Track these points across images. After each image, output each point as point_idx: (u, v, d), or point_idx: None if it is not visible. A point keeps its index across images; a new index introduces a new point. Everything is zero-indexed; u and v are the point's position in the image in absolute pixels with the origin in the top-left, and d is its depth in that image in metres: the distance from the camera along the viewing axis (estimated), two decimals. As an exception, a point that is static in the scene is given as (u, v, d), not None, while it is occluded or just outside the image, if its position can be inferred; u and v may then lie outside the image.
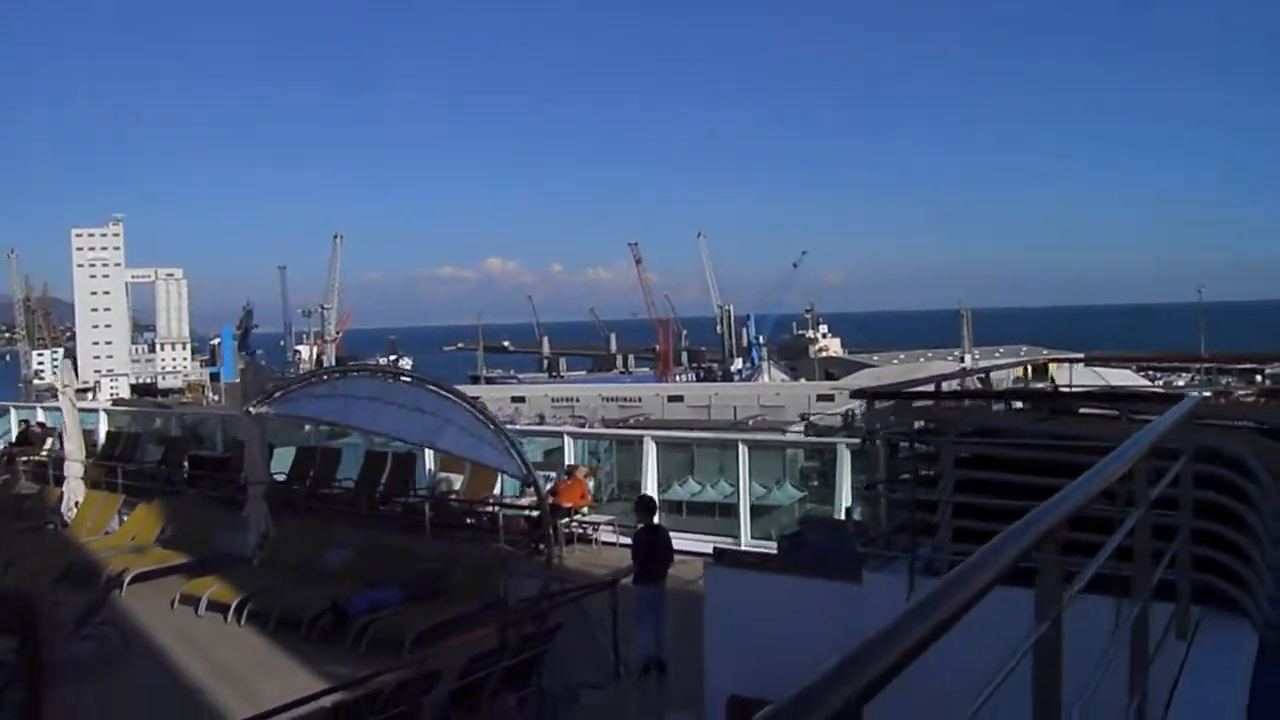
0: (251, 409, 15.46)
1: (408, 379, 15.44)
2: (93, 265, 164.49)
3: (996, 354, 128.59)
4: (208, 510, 18.77)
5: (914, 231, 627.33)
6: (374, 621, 12.88)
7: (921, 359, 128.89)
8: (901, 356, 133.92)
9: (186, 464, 21.54)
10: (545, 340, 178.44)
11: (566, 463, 17.31)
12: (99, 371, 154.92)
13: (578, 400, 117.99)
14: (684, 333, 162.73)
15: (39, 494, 21.40)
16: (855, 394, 7.54)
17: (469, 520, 16.78)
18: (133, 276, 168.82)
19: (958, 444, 6.96)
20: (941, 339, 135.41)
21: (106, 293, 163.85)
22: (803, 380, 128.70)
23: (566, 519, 15.89)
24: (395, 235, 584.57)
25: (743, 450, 16.16)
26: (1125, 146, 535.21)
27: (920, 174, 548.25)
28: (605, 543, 16.08)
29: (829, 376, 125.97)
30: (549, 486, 16.79)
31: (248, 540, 16.63)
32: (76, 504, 19.62)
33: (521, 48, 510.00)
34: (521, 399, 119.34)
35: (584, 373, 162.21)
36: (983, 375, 11.51)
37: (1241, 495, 6.05)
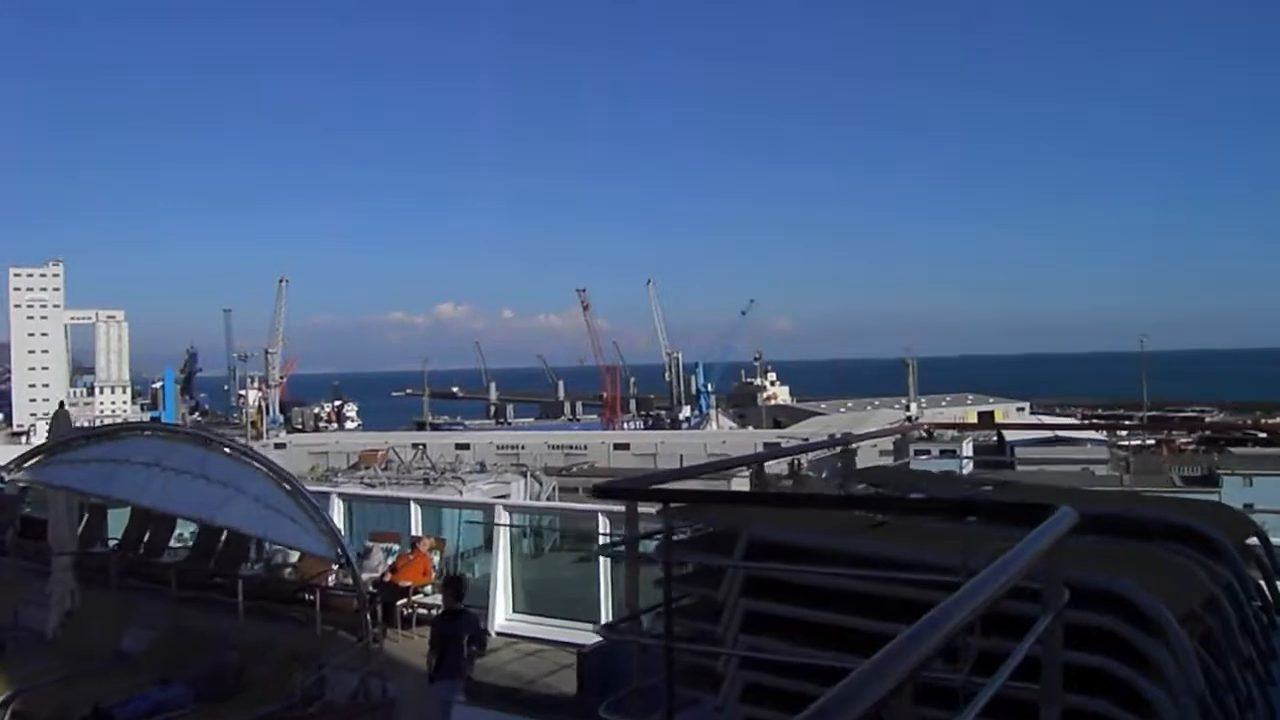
0: (5, 475, 13.77)
1: (195, 440, 13.62)
2: (30, 306, 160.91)
3: (943, 402, 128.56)
4: (18, 582, 16.91)
5: (862, 280, 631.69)
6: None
7: (869, 407, 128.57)
8: (849, 405, 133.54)
9: (15, 526, 19.70)
10: (493, 386, 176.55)
11: (412, 533, 15.64)
12: (34, 415, 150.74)
13: (523, 448, 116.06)
14: (632, 380, 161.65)
15: None
16: (598, 491, 5.53)
17: (302, 599, 14.96)
18: (72, 318, 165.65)
19: (740, 567, 5.19)
20: (889, 387, 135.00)
21: (44, 334, 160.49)
22: (750, 428, 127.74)
23: (404, 600, 14.21)
24: (346, 280, 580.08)
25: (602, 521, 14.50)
26: (1069, 193, 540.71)
27: (868, 220, 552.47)
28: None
29: (777, 425, 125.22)
30: (390, 561, 15.16)
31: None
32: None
33: (469, 89, 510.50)
34: (466, 446, 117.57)
35: (531, 420, 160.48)
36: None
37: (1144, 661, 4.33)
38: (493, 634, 13.73)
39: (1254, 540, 6.12)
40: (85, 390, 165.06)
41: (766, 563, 4.95)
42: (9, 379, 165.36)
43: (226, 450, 13.06)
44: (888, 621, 4.17)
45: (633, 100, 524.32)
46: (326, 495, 16.71)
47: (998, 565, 3.09)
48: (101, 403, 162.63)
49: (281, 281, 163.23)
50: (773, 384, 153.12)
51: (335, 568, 13.52)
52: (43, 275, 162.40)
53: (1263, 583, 5.91)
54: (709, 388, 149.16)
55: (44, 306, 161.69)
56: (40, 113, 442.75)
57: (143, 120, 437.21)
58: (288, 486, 12.33)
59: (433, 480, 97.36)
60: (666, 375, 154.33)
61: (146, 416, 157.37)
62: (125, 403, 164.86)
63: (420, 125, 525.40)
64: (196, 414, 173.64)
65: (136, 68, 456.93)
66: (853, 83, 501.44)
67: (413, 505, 15.92)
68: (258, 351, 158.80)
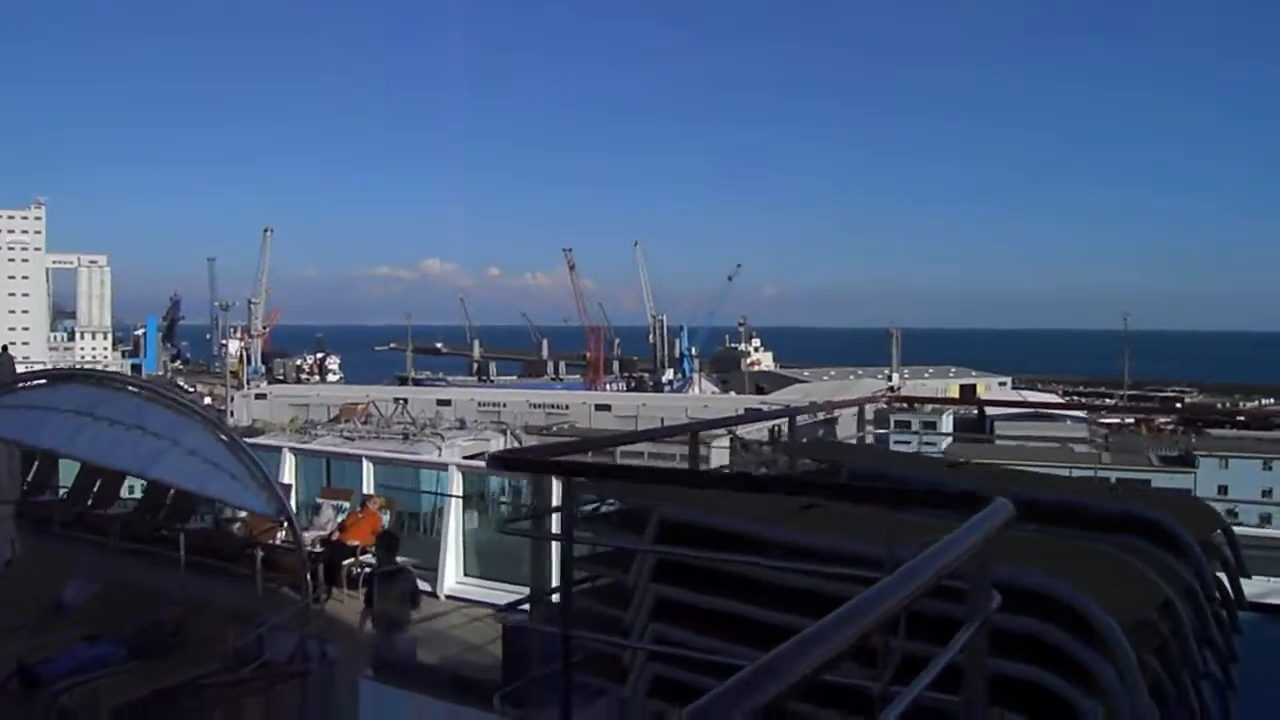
0: None
1: (134, 388, 13.09)
2: (11, 249, 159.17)
3: (925, 374, 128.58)
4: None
5: (850, 250, 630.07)
6: (73, 688, 10.66)
7: (851, 376, 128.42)
8: (832, 373, 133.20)
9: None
10: (476, 344, 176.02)
11: (364, 491, 15.14)
12: (13, 359, 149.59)
13: (504, 405, 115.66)
14: (617, 341, 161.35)
15: None
16: (494, 460, 4.95)
17: (249, 555, 14.47)
18: (54, 262, 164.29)
19: (644, 550, 4.69)
20: (873, 357, 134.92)
21: (25, 277, 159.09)
22: (733, 393, 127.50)
23: (351, 559, 13.76)
24: (332, 233, 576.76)
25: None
26: (1059, 171, 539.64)
27: (857, 191, 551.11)
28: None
29: (759, 390, 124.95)
30: (339, 519, 14.69)
31: (-8, 567, 14.33)
32: None
33: (463, 49, 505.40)
34: (447, 402, 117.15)
35: (514, 378, 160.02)
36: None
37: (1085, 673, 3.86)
38: (441, 597, 13.33)
39: (1219, 535, 5.74)
40: (66, 335, 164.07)
41: (677, 546, 4.50)
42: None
43: (165, 400, 12.57)
44: (807, 616, 3.77)
45: (622, 64, 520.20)
46: (278, 449, 16.24)
47: (920, 560, 2.69)
48: (82, 348, 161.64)
49: (266, 231, 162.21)
50: (757, 350, 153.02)
51: (284, 524, 13.07)
52: (24, 218, 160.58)
53: (1226, 580, 5.53)
54: (693, 351, 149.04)
55: (24, 249, 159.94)
56: (28, 62, 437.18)
57: (128, 72, 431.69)
58: (227, 439, 11.86)
59: (412, 435, 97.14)
60: (651, 338, 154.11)
61: (128, 363, 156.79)
62: (106, 349, 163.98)
63: (410, 84, 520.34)
64: (178, 362, 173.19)
65: (122, 21, 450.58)
66: (842, 56, 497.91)
67: (365, 462, 15.42)
68: (241, 301, 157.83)
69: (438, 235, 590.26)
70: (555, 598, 4.69)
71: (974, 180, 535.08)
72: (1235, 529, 6.20)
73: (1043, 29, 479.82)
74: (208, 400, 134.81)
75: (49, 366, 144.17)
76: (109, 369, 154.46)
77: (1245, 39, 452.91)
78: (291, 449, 16.40)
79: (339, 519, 14.67)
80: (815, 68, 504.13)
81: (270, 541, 13.98)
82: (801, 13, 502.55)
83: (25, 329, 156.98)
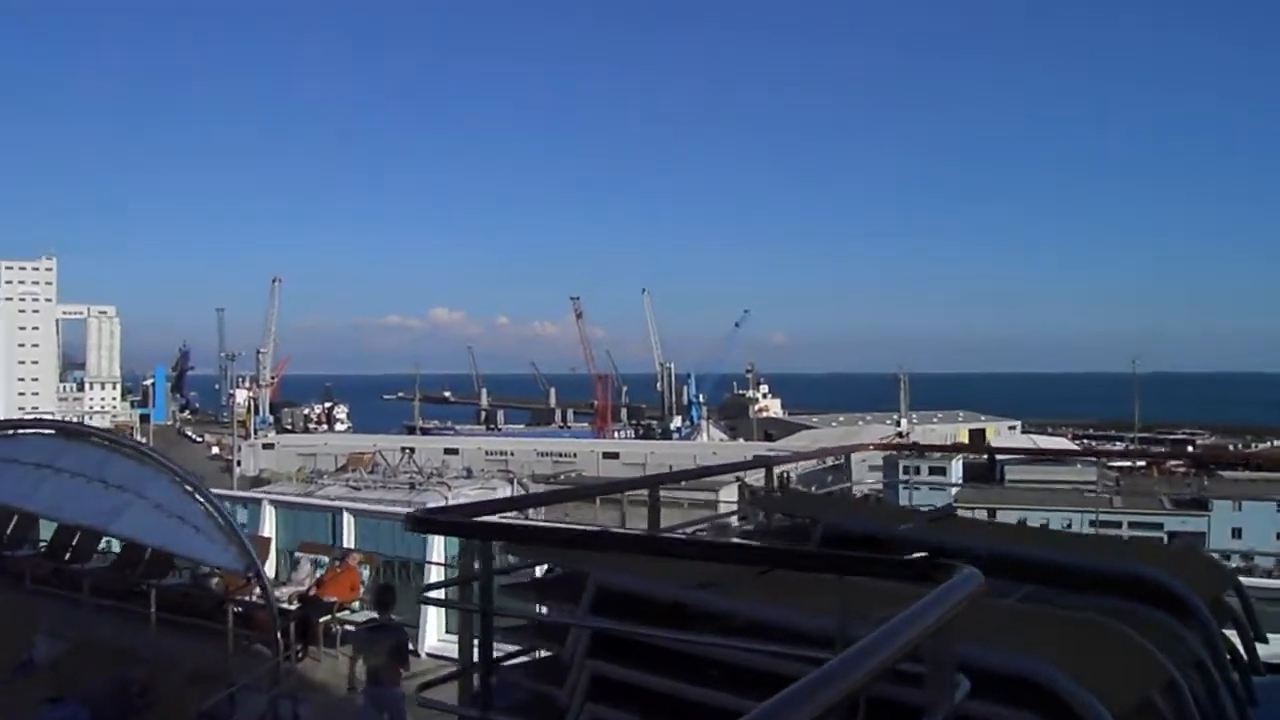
0: None
1: (99, 439, 12.64)
2: (22, 300, 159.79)
3: (935, 418, 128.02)
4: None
5: (858, 295, 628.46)
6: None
7: (860, 422, 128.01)
8: (841, 419, 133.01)
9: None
10: (484, 392, 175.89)
11: (345, 544, 14.60)
12: (22, 409, 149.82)
13: (512, 454, 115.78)
14: (624, 389, 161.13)
15: None
16: (408, 521, 4.03)
17: (225, 612, 13.95)
18: (64, 313, 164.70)
19: (582, 625, 4.24)
20: (882, 403, 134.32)
21: (36, 328, 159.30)
22: (741, 440, 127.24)
23: (328, 616, 13.21)
24: (341, 282, 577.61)
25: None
26: (1067, 213, 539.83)
27: (863, 236, 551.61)
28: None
29: (768, 437, 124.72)
30: (318, 574, 14.18)
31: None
32: None
33: (470, 99, 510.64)
34: (455, 451, 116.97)
35: (522, 426, 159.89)
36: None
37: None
38: (422, 655, 12.80)
39: (1231, 593, 5.23)
40: (75, 385, 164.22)
41: (615, 615, 4.01)
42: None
43: (129, 452, 12.13)
44: (755, 698, 3.31)
45: (630, 110, 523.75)
46: (258, 501, 15.78)
47: (872, 639, 2.24)
48: (91, 398, 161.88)
49: (274, 281, 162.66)
50: (765, 396, 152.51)
51: (252, 580, 12.57)
52: (35, 269, 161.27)
53: (1239, 643, 5.01)
54: (701, 398, 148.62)
55: (35, 300, 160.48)
56: (35, 110, 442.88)
57: (136, 119, 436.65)
58: (194, 493, 11.39)
59: (418, 485, 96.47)
60: (659, 385, 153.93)
61: (137, 413, 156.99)
62: (115, 399, 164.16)
63: (419, 129, 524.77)
64: (186, 411, 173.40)
65: (128, 68, 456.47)
66: (849, 99, 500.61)
67: (345, 515, 14.92)
68: (249, 351, 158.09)
69: (446, 284, 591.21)
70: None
71: (978, 222, 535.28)
72: (1249, 580, 5.69)
73: (1042, 70, 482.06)
74: (215, 450, 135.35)
75: (57, 417, 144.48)
76: (118, 419, 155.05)
77: (1260, 78, 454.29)
78: (271, 500, 15.94)
79: (317, 574, 14.17)
80: (819, 113, 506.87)
81: (245, 597, 13.48)
82: (807, 59, 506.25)
83: (35, 379, 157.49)
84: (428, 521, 4.20)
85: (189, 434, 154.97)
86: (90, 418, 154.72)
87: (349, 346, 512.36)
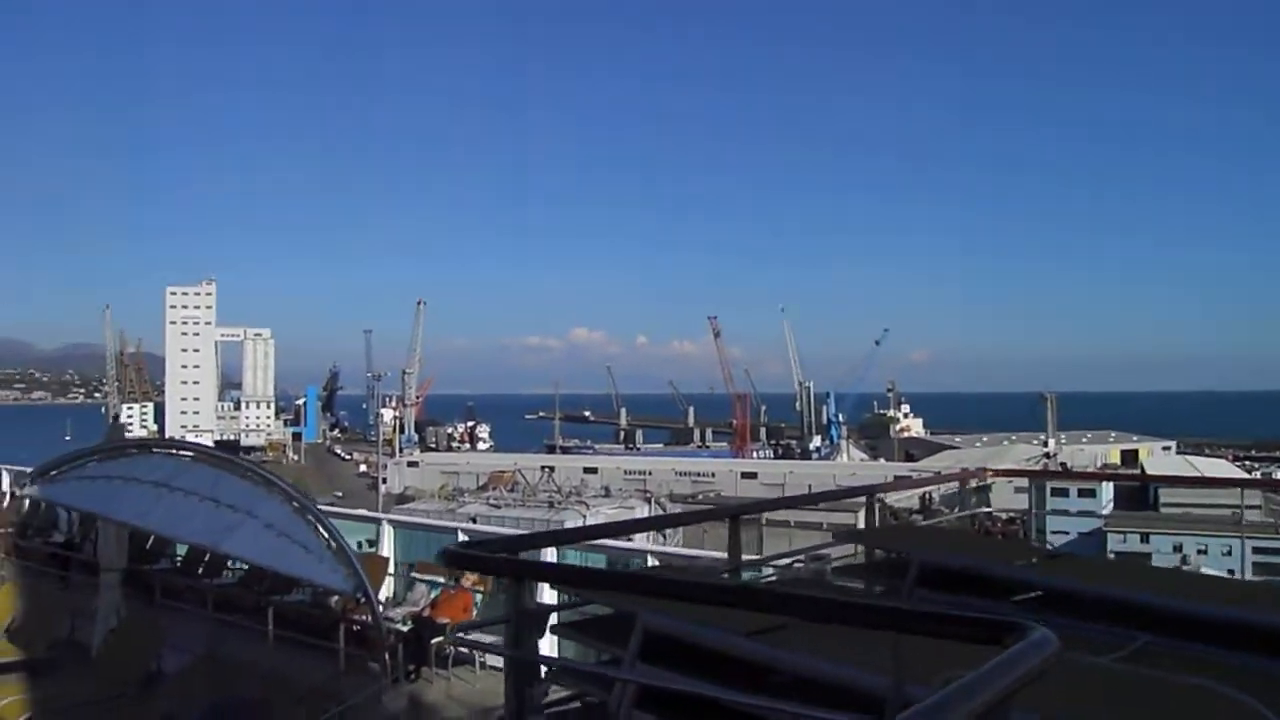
0: (18, 490, 13.28)
1: (212, 460, 12.85)
2: (185, 323, 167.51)
3: (1084, 439, 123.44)
4: (72, 598, 16.48)
5: (1003, 312, 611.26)
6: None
7: (1005, 442, 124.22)
8: (984, 439, 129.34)
9: (92, 538, 19.35)
10: (623, 411, 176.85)
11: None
12: (185, 427, 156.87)
13: (650, 473, 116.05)
14: (763, 408, 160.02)
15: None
16: (441, 557, 3.70)
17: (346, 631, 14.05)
18: (222, 335, 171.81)
19: (628, 679, 3.87)
20: (1028, 422, 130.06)
21: (196, 350, 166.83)
22: (882, 460, 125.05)
23: (439, 638, 13.17)
24: (484, 303, 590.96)
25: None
26: (1218, 228, 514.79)
27: (1009, 253, 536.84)
28: (495, 667, 13.23)
29: (909, 458, 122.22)
30: (432, 595, 14.18)
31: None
32: (-48, 580, 17.59)
33: (609, 125, 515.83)
34: (594, 470, 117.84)
35: (661, 445, 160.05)
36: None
37: None
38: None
39: None
40: (232, 405, 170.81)
41: (662, 662, 3.70)
42: (163, 392, 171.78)
43: (243, 472, 12.31)
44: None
45: (768, 133, 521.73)
46: (377, 522, 15.91)
47: (924, 709, 1.94)
48: (247, 417, 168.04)
49: (419, 304, 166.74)
50: (906, 416, 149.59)
51: (361, 601, 12.61)
52: (196, 294, 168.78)
53: None
54: (840, 418, 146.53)
55: (197, 324, 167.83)
56: (193, 136, 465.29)
57: (290, 138, 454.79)
58: (304, 511, 11.48)
59: (557, 504, 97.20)
60: (798, 404, 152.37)
61: (289, 431, 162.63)
62: (269, 418, 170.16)
63: (560, 151, 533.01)
64: (336, 430, 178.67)
65: (281, 87, 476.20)
66: (984, 122, 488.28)
67: (460, 535, 14.89)
68: (394, 371, 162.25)
69: (586, 305, 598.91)
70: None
71: (1127, 239, 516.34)
72: None
73: (1185, 97, 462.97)
74: (363, 468, 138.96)
75: (217, 435, 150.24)
76: (272, 437, 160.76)
77: None
78: (390, 521, 16.05)
79: (432, 595, 14.16)
80: (958, 133, 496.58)
81: (361, 617, 13.55)
82: (945, 83, 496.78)
83: (196, 399, 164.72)
84: (461, 557, 3.95)
85: (338, 452, 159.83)
86: (246, 435, 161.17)
87: (491, 366, 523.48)
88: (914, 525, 9.24)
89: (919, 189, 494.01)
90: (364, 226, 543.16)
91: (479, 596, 13.82)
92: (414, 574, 15.00)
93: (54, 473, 13.33)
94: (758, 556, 7.44)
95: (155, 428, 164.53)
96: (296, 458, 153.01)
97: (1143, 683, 3.46)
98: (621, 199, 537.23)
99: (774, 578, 6.90)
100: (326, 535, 11.36)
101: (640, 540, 13.44)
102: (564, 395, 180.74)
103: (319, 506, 13.29)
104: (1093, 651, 3.92)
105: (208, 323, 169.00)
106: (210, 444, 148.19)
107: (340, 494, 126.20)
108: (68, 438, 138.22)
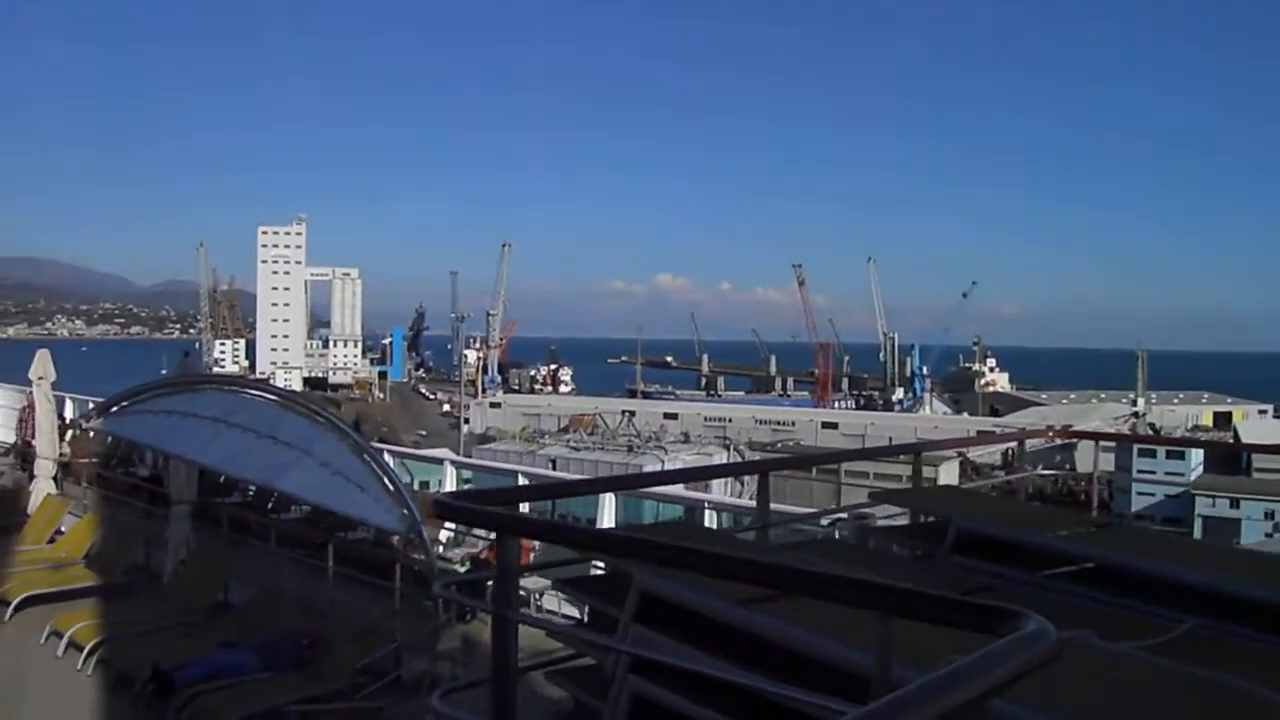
0: (83, 424, 13.51)
1: (272, 396, 12.91)
2: (275, 262, 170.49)
3: (1175, 399, 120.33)
4: (149, 528, 16.89)
5: (1097, 266, 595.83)
6: (200, 694, 10.51)
7: (1094, 400, 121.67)
8: (1072, 396, 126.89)
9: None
10: (705, 358, 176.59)
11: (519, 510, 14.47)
12: (275, 364, 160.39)
13: (730, 420, 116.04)
14: (846, 358, 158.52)
15: (19, 491, 20.02)
16: (432, 506, 3.49)
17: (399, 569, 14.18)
18: (312, 274, 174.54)
19: (621, 650, 3.80)
20: (1116, 380, 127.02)
21: (287, 289, 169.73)
22: (965, 414, 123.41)
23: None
24: (569, 247, 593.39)
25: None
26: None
27: (1104, 205, 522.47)
28: (549, 610, 13.26)
29: (994, 412, 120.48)
30: (491, 538, 14.20)
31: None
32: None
33: (699, 68, 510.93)
34: (674, 416, 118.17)
35: (742, 393, 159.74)
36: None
37: None
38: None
39: None
40: (321, 343, 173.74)
41: (655, 626, 3.55)
42: (254, 329, 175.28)
43: (301, 409, 12.37)
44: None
45: (854, 80, 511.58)
46: (440, 462, 16.00)
47: (905, 696, 1.78)
48: (335, 356, 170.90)
49: (504, 246, 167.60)
50: (992, 370, 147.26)
51: (415, 541, 12.66)
52: (287, 233, 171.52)
53: None
54: (924, 370, 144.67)
55: (287, 263, 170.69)
56: (292, 73, 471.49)
57: (383, 80, 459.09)
58: (360, 450, 11.51)
59: (636, 448, 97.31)
60: (881, 355, 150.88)
61: (375, 370, 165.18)
62: (356, 357, 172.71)
63: (647, 98, 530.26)
64: (421, 370, 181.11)
65: (373, 31, 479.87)
66: (1085, 76, 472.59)
67: (520, 479, 14.89)
68: (478, 313, 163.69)
69: (671, 250, 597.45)
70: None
71: (1228, 193, 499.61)
72: None
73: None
74: (446, 407, 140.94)
75: (305, 372, 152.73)
76: (358, 376, 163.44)
77: None
78: (453, 462, 16.11)
79: (491, 538, 14.21)
80: (1059, 86, 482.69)
81: (420, 557, 13.66)
82: (1033, 30, 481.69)
83: (286, 336, 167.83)
84: (449, 508, 3.79)
85: (423, 391, 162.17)
86: (333, 374, 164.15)
87: (575, 310, 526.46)
88: (958, 487, 8.66)
89: (1013, 140, 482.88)
90: (451, 168, 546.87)
91: (536, 542, 13.83)
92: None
93: (117, 407, 13.56)
94: (818, 509, 7.21)
95: (246, 364, 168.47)
96: (382, 396, 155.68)
97: (1170, 679, 3.19)
98: (714, 142, 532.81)
99: (818, 536, 6.70)
100: (381, 474, 11.39)
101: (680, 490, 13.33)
102: (646, 340, 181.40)
103: (396, 445, 13.40)
104: (1133, 634, 3.65)
105: (298, 262, 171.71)
106: (300, 380, 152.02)
107: (424, 433, 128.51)
108: (163, 371, 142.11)
